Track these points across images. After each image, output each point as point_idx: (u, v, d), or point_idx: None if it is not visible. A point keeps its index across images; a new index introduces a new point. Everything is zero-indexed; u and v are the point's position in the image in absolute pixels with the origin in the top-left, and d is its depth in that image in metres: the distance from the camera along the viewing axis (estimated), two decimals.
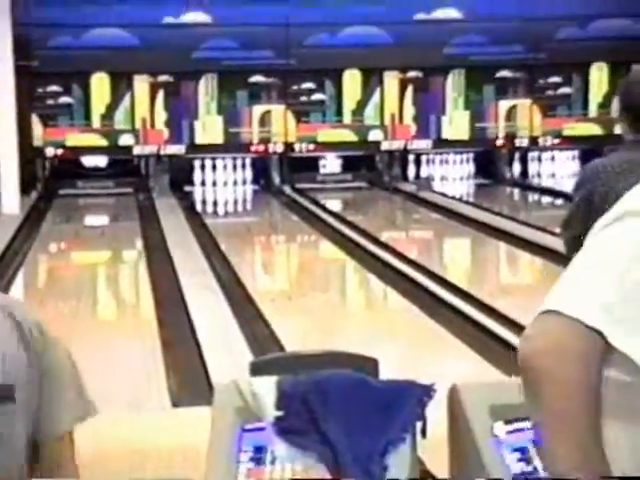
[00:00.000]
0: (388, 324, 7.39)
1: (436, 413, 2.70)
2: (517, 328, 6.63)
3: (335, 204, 14.85)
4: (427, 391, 2.59)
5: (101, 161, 15.80)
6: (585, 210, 3.63)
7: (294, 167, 15.96)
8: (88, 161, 15.76)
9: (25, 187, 14.03)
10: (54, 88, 15.49)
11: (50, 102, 15.50)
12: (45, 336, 1.79)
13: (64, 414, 1.83)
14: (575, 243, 3.64)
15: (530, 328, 1.54)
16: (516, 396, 2.64)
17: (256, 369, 2.93)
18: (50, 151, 15.50)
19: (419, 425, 2.59)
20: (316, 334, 6.93)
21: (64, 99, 15.55)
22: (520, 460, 2.57)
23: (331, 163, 16.26)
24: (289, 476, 2.55)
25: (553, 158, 16.63)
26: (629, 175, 3.50)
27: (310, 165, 16.07)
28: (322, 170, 16.20)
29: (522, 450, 2.58)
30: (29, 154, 14.99)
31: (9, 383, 1.72)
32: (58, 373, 1.81)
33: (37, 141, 15.44)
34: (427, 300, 7.83)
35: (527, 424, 2.59)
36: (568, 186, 15.19)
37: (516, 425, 2.60)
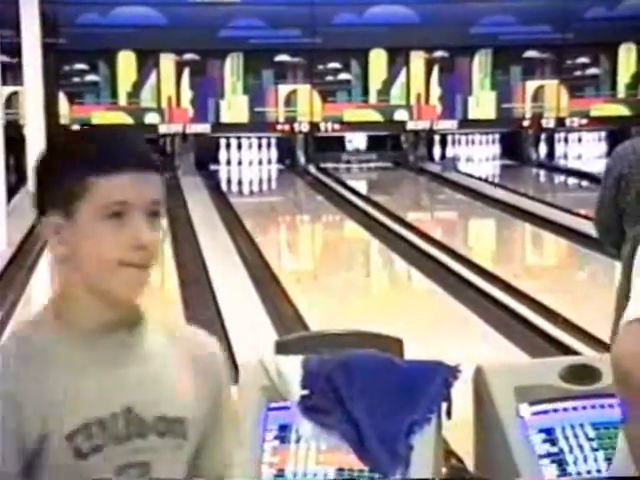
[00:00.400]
0: (412, 304, 7.39)
1: (461, 394, 2.70)
2: (541, 309, 6.62)
3: (360, 184, 14.83)
4: (453, 372, 2.60)
5: None
6: (615, 194, 3.73)
7: (320, 146, 15.94)
8: None
9: None
10: (81, 66, 15.52)
11: (77, 80, 15.54)
12: (222, 371, 1.68)
13: (218, 464, 1.66)
14: (607, 227, 3.69)
15: (619, 335, 1.82)
16: (541, 377, 2.64)
17: (281, 348, 2.94)
18: (76, 128, 15.55)
19: (444, 406, 2.59)
20: (340, 313, 6.94)
21: (90, 77, 15.58)
22: (545, 441, 2.57)
23: (357, 139, 16.22)
24: (314, 455, 2.56)
25: (580, 139, 16.53)
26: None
27: (336, 144, 16.04)
28: (348, 146, 16.17)
29: (548, 431, 2.58)
30: (55, 132, 15.04)
31: (182, 416, 1.62)
32: (224, 415, 1.67)
33: (63, 119, 15.49)
34: (451, 281, 7.82)
35: (553, 406, 2.59)
36: (595, 167, 15.16)
37: (541, 407, 2.60)
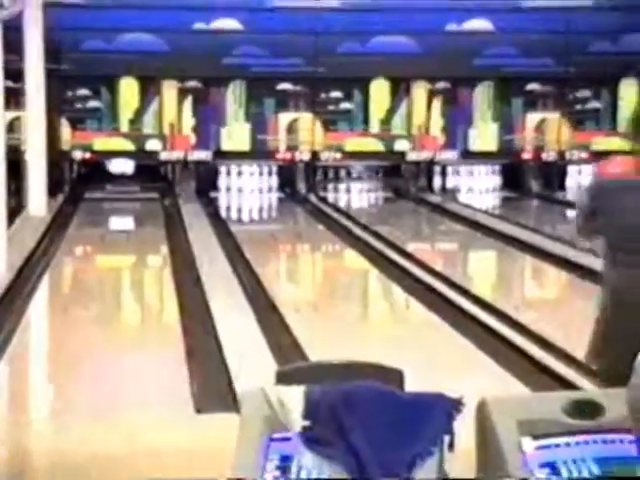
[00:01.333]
0: (412, 335, 7.37)
1: (463, 426, 2.69)
2: (541, 342, 6.60)
3: (361, 214, 14.84)
4: (455, 404, 2.58)
5: (128, 167, 15.86)
6: (590, 222, 4.05)
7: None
8: (115, 167, 15.82)
9: (52, 190, 14.09)
10: (83, 92, 15.56)
11: (79, 106, 15.58)
12: None
13: None
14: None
15: (636, 371, 1.94)
16: (544, 411, 2.62)
17: (281, 378, 2.93)
18: (78, 154, 15.57)
19: (447, 438, 2.58)
20: (340, 343, 6.91)
21: (93, 103, 15.63)
22: (549, 476, 2.55)
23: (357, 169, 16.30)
24: None
25: (580, 172, 16.56)
26: (625, 194, 3.96)
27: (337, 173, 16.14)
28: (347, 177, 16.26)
29: (551, 466, 2.56)
30: (57, 157, 15.06)
31: None
32: None
33: (65, 144, 15.52)
34: (451, 312, 7.80)
35: (556, 440, 2.57)
36: None
37: (545, 441, 2.59)
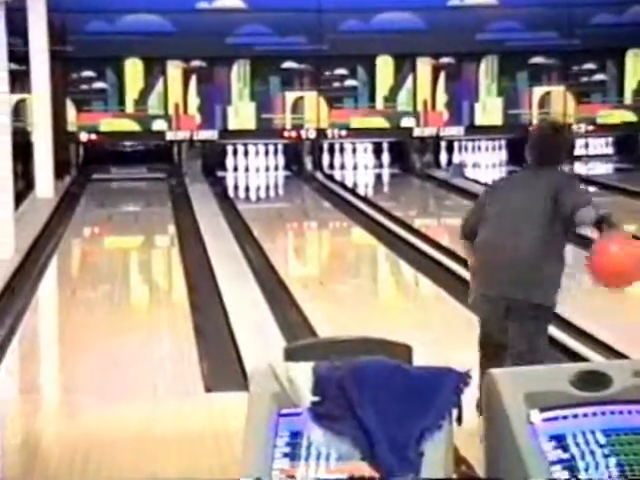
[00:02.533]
0: (420, 311, 7.39)
1: (471, 399, 2.70)
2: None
3: (367, 190, 14.84)
4: (463, 378, 2.60)
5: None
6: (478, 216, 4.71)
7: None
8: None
9: (59, 172, 14.11)
10: (88, 73, 15.55)
11: (84, 87, 15.58)
12: None
13: None
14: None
15: None
16: (552, 384, 2.64)
17: (290, 354, 2.95)
18: (84, 136, 15.59)
19: (455, 412, 2.60)
20: (348, 320, 6.94)
21: (98, 84, 15.62)
22: (556, 448, 2.57)
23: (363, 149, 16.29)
24: (325, 462, 2.57)
25: (587, 145, 16.53)
26: (499, 192, 4.76)
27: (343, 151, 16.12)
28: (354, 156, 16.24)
29: (559, 438, 2.58)
30: (63, 139, 15.07)
31: None
32: None
33: (71, 126, 15.52)
34: (459, 287, 7.81)
35: (563, 412, 2.59)
36: (601, 172, 15.14)
37: (552, 413, 2.60)
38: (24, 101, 14.74)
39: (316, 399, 2.57)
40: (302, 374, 2.60)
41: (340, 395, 2.58)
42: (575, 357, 5.76)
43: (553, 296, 4.55)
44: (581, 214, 4.40)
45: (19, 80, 13.80)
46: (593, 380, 2.62)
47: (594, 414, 2.61)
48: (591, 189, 13.61)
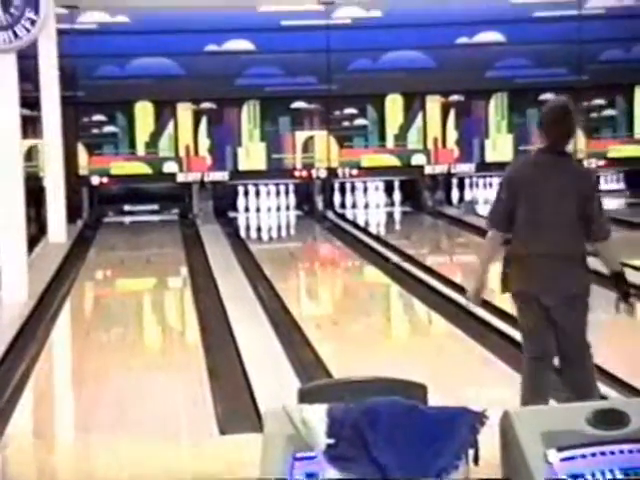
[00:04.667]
0: (434, 349, 7.36)
1: (488, 439, 2.68)
2: None
3: (379, 229, 14.84)
4: (479, 417, 2.58)
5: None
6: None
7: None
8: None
9: (71, 216, 14.16)
10: (99, 117, 15.65)
11: (95, 131, 15.67)
12: None
13: None
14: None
15: None
16: (568, 422, 2.61)
17: (304, 395, 2.93)
18: (95, 179, 15.65)
19: (471, 452, 2.57)
20: (361, 359, 6.91)
21: (109, 128, 15.71)
22: None
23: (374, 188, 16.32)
24: None
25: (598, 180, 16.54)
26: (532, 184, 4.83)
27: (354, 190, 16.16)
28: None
29: (577, 477, 2.55)
30: (75, 183, 15.14)
31: None
32: None
33: (82, 170, 15.60)
34: (473, 324, 7.78)
35: (581, 451, 2.57)
36: (613, 207, 15.08)
37: (570, 452, 2.58)
38: (36, 146, 14.83)
39: (331, 441, 2.55)
40: (316, 416, 2.58)
41: (355, 436, 2.56)
42: None
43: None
44: (609, 252, 4.85)
45: (31, 126, 13.90)
46: (610, 419, 2.60)
47: (612, 453, 2.59)
48: None
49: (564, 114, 4.81)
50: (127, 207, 15.87)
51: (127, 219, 15.80)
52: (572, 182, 4.78)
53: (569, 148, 4.96)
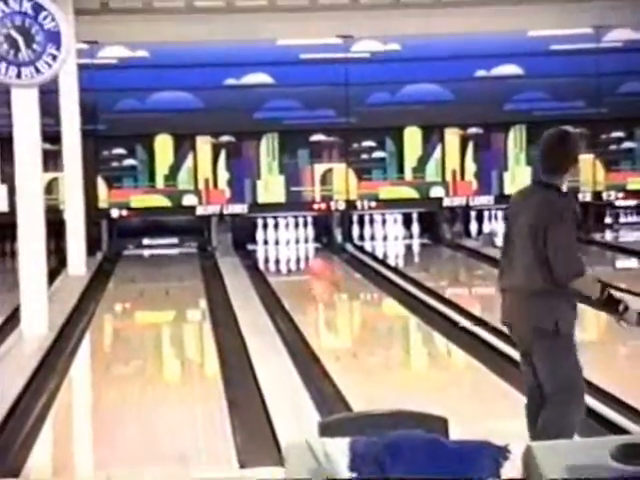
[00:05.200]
0: (454, 382, 7.33)
1: (509, 473, 2.67)
2: (587, 385, 6.53)
3: (397, 261, 14.84)
4: (502, 452, 2.57)
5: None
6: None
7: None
8: None
9: (91, 248, 14.22)
10: (119, 150, 15.76)
11: (115, 164, 15.77)
12: None
13: None
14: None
15: None
16: (592, 457, 2.60)
17: (325, 429, 2.93)
18: (115, 212, 15.73)
19: None
20: (381, 391, 6.90)
21: (129, 161, 15.81)
22: None
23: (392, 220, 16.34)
24: None
25: (617, 213, 16.49)
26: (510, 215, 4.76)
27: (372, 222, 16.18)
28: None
29: None
30: (94, 216, 15.22)
31: None
32: None
33: (102, 203, 15.68)
34: (492, 356, 7.76)
35: None
36: (632, 240, 15.05)
37: None
38: (56, 179, 14.93)
39: (353, 475, 2.55)
40: (339, 450, 2.58)
41: (377, 470, 2.56)
42: (613, 428, 5.68)
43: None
44: (581, 289, 4.61)
45: (52, 159, 14.00)
46: (635, 453, 2.58)
47: None
48: (620, 256, 13.53)
49: (549, 145, 4.79)
50: (146, 240, 15.93)
51: (146, 252, 15.85)
52: (532, 216, 4.53)
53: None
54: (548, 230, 4.47)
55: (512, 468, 2.63)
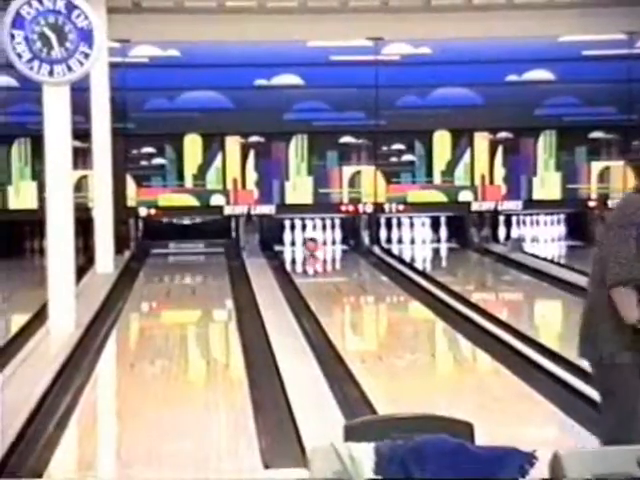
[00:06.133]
0: (479, 387, 7.30)
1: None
2: None
3: (425, 265, 14.81)
4: (528, 458, 2.56)
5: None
6: None
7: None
8: None
9: (119, 247, 14.28)
10: (148, 149, 15.81)
11: (144, 163, 15.83)
12: None
13: None
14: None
15: None
16: (619, 465, 2.58)
17: (350, 432, 2.92)
18: (143, 211, 15.79)
19: None
20: (406, 395, 6.88)
21: (157, 160, 15.86)
22: None
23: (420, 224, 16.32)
24: None
25: None
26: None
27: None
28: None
29: None
30: (123, 214, 15.28)
31: None
32: None
33: (131, 201, 15.74)
34: (518, 362, 7.73)
35: None
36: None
37: None
38: (85, 177, 15.01)
39: (378, 478, 2.54)
40: (364, 453, 2.58)
41: (402, 474, 2.55)
42: None
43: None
44: (616, 303, 4.51)
45: (81, 157, 14.06)
46: None
47: None
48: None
49: None
50: (174, 242, 15.96)
51: (174, 250, 15.89)
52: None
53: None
54: (608, 231, 4.48)
55: (539, 474, 2.62)
